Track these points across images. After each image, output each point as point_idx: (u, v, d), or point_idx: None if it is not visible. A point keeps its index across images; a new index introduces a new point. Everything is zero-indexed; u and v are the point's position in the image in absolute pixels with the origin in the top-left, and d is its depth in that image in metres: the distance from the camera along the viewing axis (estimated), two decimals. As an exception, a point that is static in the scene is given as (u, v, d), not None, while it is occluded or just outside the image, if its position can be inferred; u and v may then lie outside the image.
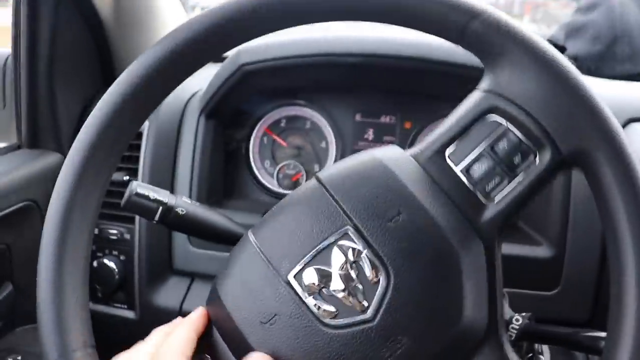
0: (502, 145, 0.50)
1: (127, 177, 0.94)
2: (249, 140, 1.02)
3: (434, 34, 0.52)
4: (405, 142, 0.98)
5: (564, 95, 0.47)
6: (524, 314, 0.72)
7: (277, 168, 1.02)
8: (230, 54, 0.89)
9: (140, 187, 0.62)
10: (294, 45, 0.85)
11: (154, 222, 0.62)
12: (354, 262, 0.48)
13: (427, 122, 0.97)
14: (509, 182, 0.50)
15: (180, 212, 0.62)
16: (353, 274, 0.48)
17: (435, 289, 0.47)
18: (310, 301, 0.48)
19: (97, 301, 0.97)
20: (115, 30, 1.00)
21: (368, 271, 0.48)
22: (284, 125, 1.02)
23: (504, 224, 0.50)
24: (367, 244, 0.48)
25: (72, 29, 0.96)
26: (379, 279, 0.47)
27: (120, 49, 1.05)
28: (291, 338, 0.48)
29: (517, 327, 0.70)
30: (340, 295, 0.48)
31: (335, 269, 0.48)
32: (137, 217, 0.93)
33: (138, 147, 0.94)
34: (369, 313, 0.47)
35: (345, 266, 0.48)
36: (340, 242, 0.49)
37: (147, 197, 0.61)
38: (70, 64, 0.98)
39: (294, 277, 0.49)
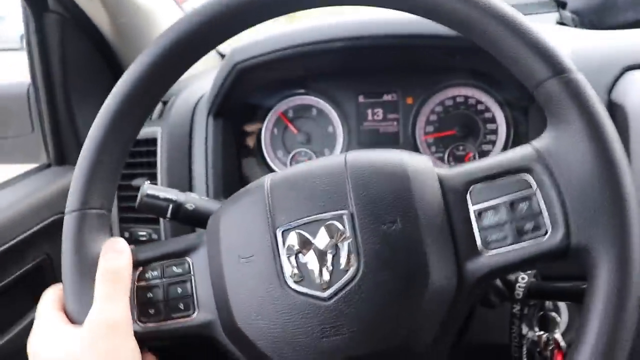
0: (522, 207, 0.51)
1: (148, 181, 1.00)
2: (260, 133, 1.06)
3: (509, 69, 0.53)
4: (409, 116, 1.00)
5: (602, 196, 0.47)
6: (529, 271, 0.74)
7: (290, 156, 1.05)
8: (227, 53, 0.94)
9: (150, 188, 0.67)
10: (283, 37, 0.88)
11: (167, 219, 0.67)
12: (336, 244, 0.51)
13: (428, 96, 0.99)
14: (512, 243, 0.51)
15: (190, 208, 0.66)
16: (330, 254, 0.51)
17: (391, 303, 0.49)
18: (284, 259, 0.52)
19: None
20: (119, 44, 1.06)
21: (343, 258, 0.51)
22: (292, 115, 1.05)
23: (486, 278, 0.51)
24: (354, 235, 0.51)
25: (80, 49, 1.02)
26: (349, 270, 0.50)
27: (128, 60, 1.10)
28: (255, 280, 0.52)
29: (523, 285, 0.72)
30: (310, 267, 0.51)
31: (317, 243, 0.52)
32: (160, 219, 0.99)
33: (154, 153, 1.00)
34: (327, 294, 0.50)
35: (326, 244, 0.52)
36: (333, 222, 0.52)
37: (157, 197, 0.66)
38: (83, 82, 1.04)
39: (282, 232, 0.53)
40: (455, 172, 0.54)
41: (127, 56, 1.10)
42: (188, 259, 0.59)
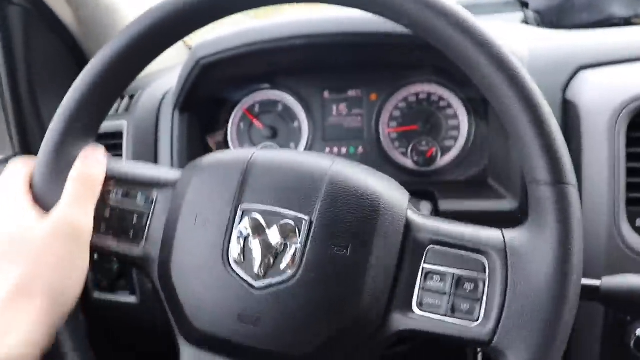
0: (467, 287, 0.51)
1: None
2: (226, 127, 1.07)
3: (520, 161, 0.53)
4: (373, 113, 1.01)
5: (540, 315, 0.47)
6: None
7: (256, 151, 1.06)
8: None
9: (113, 161, 0.68)
10: (246, 34, 0.88)
11: None
12: (285, 243, 0.52)
13: (392, 92, 1.00)
14: (443, 315, 0.51)
15: None
16: (275, 250, 0.52)
17: (311, 318, 0.51)
18: (234, 237, 0.53)
19: (102, 290, 1.04)
20: (83, 36, 1.05)
21: (286, 259, 0.52)
22: (258, 110, 1.06)
23: (407, 334, 0.52)
24: (304, 243, 0.52)
25: (44, 42, 1.02)
26: (287, 272, 0.51)
27: (92, 52, 1.09)
28: (202, 244, 0.54)
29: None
30: (254, 254, 0.52)
31: (269, 234, 0.53)
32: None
33: (120, 147, 1.00)
34: (258, 284, 0.52)
35: (277, 240, 0.53)
36: (291, 222, 0.53)
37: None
38: (48, 74, 1.04)
39: (243, 211, 0.54)
40: (423, 223, 0.54)
41: (91, 49, 1.09)
42: (155, 192, 0.60)
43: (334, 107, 1.03)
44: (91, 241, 0.56)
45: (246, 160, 0.56)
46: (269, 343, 0.51)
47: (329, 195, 0.53)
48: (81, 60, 1.09)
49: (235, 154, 0.59)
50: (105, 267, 1.01)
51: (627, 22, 1.09)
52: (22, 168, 0.58)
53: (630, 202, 0.76)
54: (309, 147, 1.04)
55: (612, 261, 0.76)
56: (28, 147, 1.07)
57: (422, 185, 0.95)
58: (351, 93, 1.03)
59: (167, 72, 1.12)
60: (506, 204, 0.87)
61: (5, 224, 0.53)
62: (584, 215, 0.78)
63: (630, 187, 0.76)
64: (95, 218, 0.57)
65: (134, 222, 0.59)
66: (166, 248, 0.56)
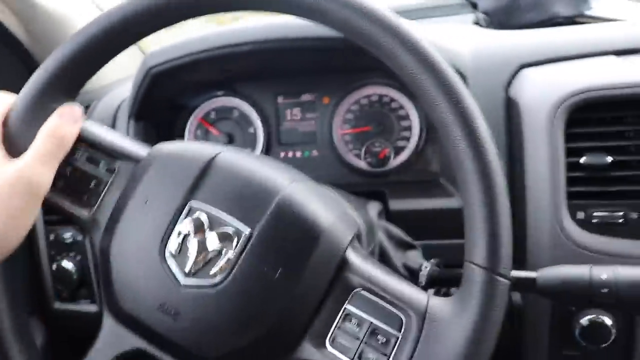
0: (380, 339, 0.52)
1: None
2: (183, 135, 1.08)
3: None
4: (325, 116, 1.03)
5: None
6: (432, 260, 0.78)
7: (213, 157, 1.07)
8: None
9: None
10: (195, 41, 0.89)
11: None
12: (221, 250, 0.53)
13: (344, 95, 1.02)
14: (350, 359, 0.52)
15: None
16: (211, 252, 0.53)
17: (225, 328, 0.52)
18: (176, 230, 0.54)
19: (63, 300, 1.04)
20: (34, 48, 1.05)
21: (217, 265, 0.53)
22: (214, 117, 1.07)
23: None
24: (239, 254, 0.53)
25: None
26: (215, 277, 0.53)
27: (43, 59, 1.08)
28: (143, 227, 0.56)
29: (425, 273, 0.76)
30: (189, 252, 0.54)
31: (207, 237, 0.54)
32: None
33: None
34: (184, 282, 0.53)
35: (213, 244, 0.54)
36: (231, 230, 0.54)
37: None
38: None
39: (191, 207, 0.55)
40: (358, 266, 0.54)
41: (43, 58, 1.07)
42: (118, 163, 0.61)
43: (288, 112, 1.05)
44: (45, 196, 0.57)
45: (208, 157, 0.57)
46: (183, 338, 0.53)
47: (275, 214, 0.53)
48: (32, 68, 1.07)
49: (201, 148, 0.59)
50: (66, 278, 1.01)
51: (571, 21, 1.12)
52: (0, 102, 0.58)
53: (570, 195, 0.79)
54: (265, 152, 1.05)
55: (557, 254, 0.79)
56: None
57: (376, 186, 0.96)
58: (304, 97, 1.04)
59: (122, 82, 1.12)
60: (454, 202, 0.89)
61: None
62: (528, 209, 0.81)
63: (570, 181, 0.78)
64: (55, 174, 0.58)
65: (90, 187, 0.60)
66: (113, 220, 0.57)
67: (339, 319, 0.53)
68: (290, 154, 1.05)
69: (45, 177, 0.56)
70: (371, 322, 0.52)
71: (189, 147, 0.60)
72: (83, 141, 0.61)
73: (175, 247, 0.54)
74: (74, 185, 0.61)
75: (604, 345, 0.76)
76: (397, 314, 0.52)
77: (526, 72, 0.88)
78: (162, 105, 1.02)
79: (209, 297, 0.52)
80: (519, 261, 0.81)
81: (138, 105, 0.96)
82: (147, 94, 0.94)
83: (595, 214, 0.78)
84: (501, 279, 0.49)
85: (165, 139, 1.04)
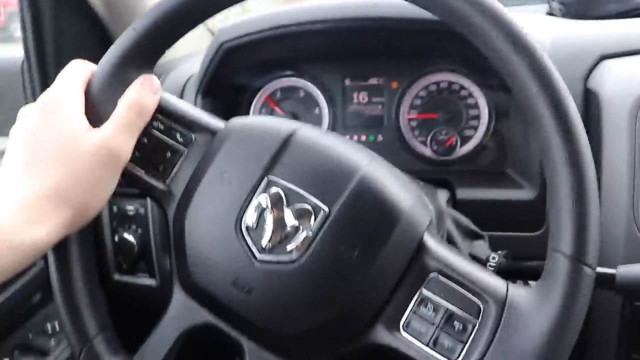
0: (456, 325, 0.50)
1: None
2: (248, 113, 1.08)
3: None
4: (393, 101, 1.02)
5: None
6: (499, 252, 0.76)
7: (277, 137, 1.08)
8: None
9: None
10: (268, 18, 0.89)
11: None
12: (298, 227, 0.53)
13: (412, 80, 1.01)
14: (424, 344, 0.50)
15: None
16: (288, 228, 0.53)
17: (297, 307, 0.52)
18: (252, 205, 0.54)
19: (122, 272, 1.06)
20: (109, 18, 1.07)
21: (294, 242, 0.52)
22: (280, 96, 1.07)
23: (382, 350, 0.52)
24: (317, 232, 0.52)
25: (74, 27, 1.04)
26: (291, 253, 0.52)
27: (118, 34, 1.10)
28: (220, 200, 0.56)
29: (494, 265, 0.74)
30: (266, 226, 0.53)
31: (285, 213, 0.53)
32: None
33: (143, 132, 1.01)
34: (260, 257, 0.53)
35: (291, 221, 0.53)
36: (309, 208, 0.53)
37: None
38: (75, 55, 1.04)
39: (268, 181, 0.55)
40: (435, 250, 0.53)
41: (117, 31, 1.10)
42: (194, 135, 0.61)
43: (355, 95, 1.04)
44: (124, 167, 0.58)
45: (287, 133, 0.56)
46: (255, 315, 0.52)
47: (354, 193, 0.52)
48: (107, 42, 1.10)
49: (279, 123, 0.59)
50: (127, 250, 1.03)
51: (654, 13, 1.08)
52: (85, 70, 0.59)
53: (649, 193, 0.75)
54: (329, 135, 1.04)
55: (630, 251, 0.76)
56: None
57: (441, 174, 0.95)
58: (372, 81, 1.03)
59: (189, 57, 1.13)
60: (524, 194, 0.87)
61: (55, 122, 0.54)
62: (603, 205, 0.78)
63: (649, 178, 0.75)
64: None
65: (167, 157, 0.61)
66: (188, 192, 0.57)
67: (414, 303, 0.52)
68: (355, 138, 1.04)
69: (126, 147, 0.57)
70: (447, 308, 0.51)
71: (267, 122, 0.60)
72: (161, 112, 0.61)
73: (252, 222, 0.54)
74: (150, 156, 0.61)
75: None
76: (475, 301, 0.51)
77: (607, 63, 0.85)
78: (228, 84, 1.03)
79: (285, 274, 0.52)
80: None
81: (207, 81, 0.96)
82: (217, 70, 0.94)
83: (674, 212, 0.75)
84: (588, 269, 0.47)
85: (231, 117, 1.06)
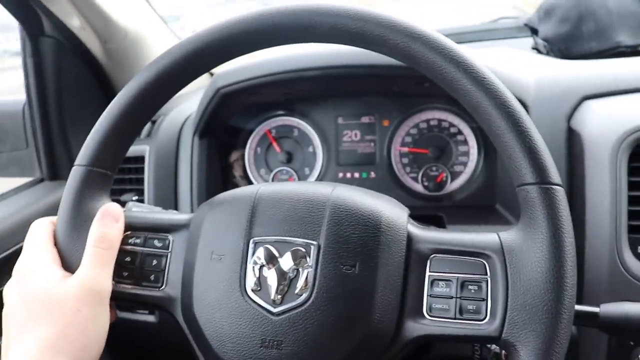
0: (471, 289, 0.54)
1: (136, 197, 1.05)
2: (244, 152, 1.11)
3: (505, 162, 0.54)
4: (385, 138, 1.05)
5: (543, 305, 0.49)
6: None
7: (272, 174, 1.11)
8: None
9: (135, 206, 0.72)
10: (263, 65, 0.93)
11: None
12: (297, 269, 0.55)
13: (403, 118, 1.04)
14: (452, 318, 0.53)
15: None
16: (289, 276, 0.55)
17: (329, 335, 0.53)
18: (249, 268, 0.56)
19: (122, 309, 1.07)
20: (110, 67, 1.11)
21: (300, 283, 0.55)
22: (275, 135, 1.10)
23: (421, 340, 0.54)
24: (315, 266, 0.55)
25: (74, 71, 1.07)
26: (302, 295, 0.54)
27: (119, 81, 1.15)
28: (219, 278, 0.57)
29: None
30: (270, 282, 0.55)
31: (281, 262, 0.56)
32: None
33: (142, 170, 1.04)
34: (277, 310, 0.55)
35: (289, 266, 0.56)
36: (301, 248, 0.56)
37: None
38: (76, 102, 1.09)
39: (255, 243, 0.57)
40: (424, 236, 0.57)
41: (118, 78, 1.15)
42: (170, 236, 0.63)
43: (348, 133, 1.07)
44: (111, 293, 0.59)
45: (253, 195, 0.59)
46: None
47: (332, 219, 0.56)
48: (109, 89, 1.14)
49: (242, 191, 0.62)
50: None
51: (634, 50, 1.11)
52: (46, 226, 0.61)
53: (632, 229, 0.78)
54: (323, 172, 1.08)
55: (615, 287, 0.78)
56: (55, 171, 1.12)
57: (432, 210, 0.98)
58: (364, 119, 1.06)
59: (187, 97, 1.16)
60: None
61: (32, 284, 0.56)
62: (587, 240, 0.81)
63: (632, 215, 0.78)
64: (115, 265, 0.60)
65: (153, 265, 0.62)
66: (187, 287, 0.59)
67: (427, 287, 0.55)
68: (348, 175, 1.07)
69: (105, 280, 0.58)
70: (457, 278, 0.54)
71: (231, 194, 0.62)
72: (132, 229, 0.63)
73: (254, 283, 0.56)
74: (138, 270, 0.62)
75: None
76: (478, 261, 0.54)
77: (589, 104, 0.88)
78: (224, 124, 1.06)
79: (303, 315, 0.54)
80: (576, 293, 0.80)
81: (204, 124, 0.99)
82: (213, 113, 0.97)
83: (656, 248, 0.77)
84: (555, 186, 0.51)
85: (226, 155, 1.09)
